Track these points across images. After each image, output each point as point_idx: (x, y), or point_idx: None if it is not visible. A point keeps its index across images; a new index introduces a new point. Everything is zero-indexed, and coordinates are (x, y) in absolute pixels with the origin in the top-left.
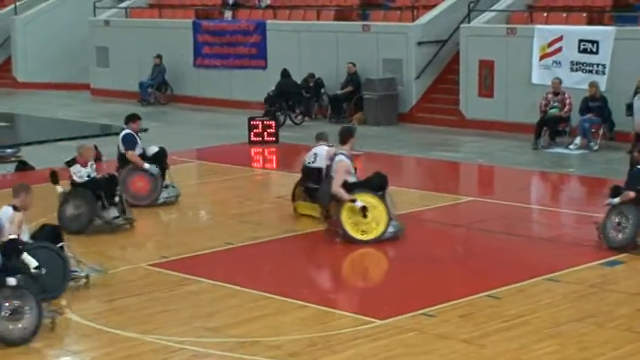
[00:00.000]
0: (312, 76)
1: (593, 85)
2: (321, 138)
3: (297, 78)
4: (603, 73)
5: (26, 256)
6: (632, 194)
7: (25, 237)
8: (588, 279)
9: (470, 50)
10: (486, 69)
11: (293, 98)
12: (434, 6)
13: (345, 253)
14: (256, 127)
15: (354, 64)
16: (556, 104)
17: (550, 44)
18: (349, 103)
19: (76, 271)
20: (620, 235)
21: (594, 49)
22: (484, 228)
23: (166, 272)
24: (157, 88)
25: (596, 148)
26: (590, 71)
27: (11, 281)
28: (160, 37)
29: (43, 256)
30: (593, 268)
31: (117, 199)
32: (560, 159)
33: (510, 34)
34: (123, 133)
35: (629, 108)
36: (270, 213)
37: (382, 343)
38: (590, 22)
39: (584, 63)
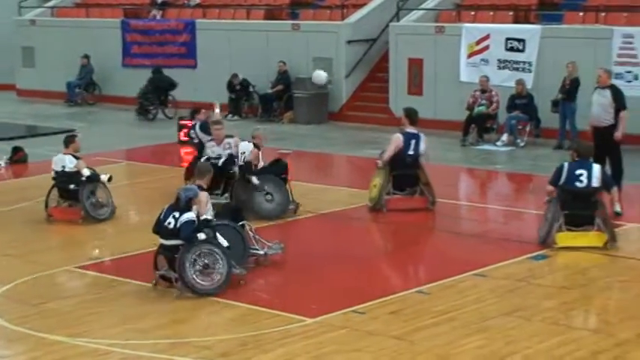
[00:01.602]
0: (235, 76)
1: (520, 82)
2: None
3: (227, 78)
4: (530, 71)
5: (218, 237)
6: (549, 188)
7: (210, 215)
8: (515, 273)
9: (399, 49)
10: (415, 67)
11: (165, 94)
12: (363, 5)
13: None
14: (186, 126)
15: (284, 63)
16: (484, 102)
17: (478, 42)
18: (280, 102)
19: (256, 249)
20: (539, 232)
21: (521, 47)
22: (413, 224)
23: (95, 274)
24: (85, 88)
25: (522, 144)
26: (517, 69)
27: (201, 236)
28: (88, 36)
29: (224, 233)
30: (520, 263)
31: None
32: (488, 155)
33: (439, 33)
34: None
35: (555, 105)
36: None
37: (313, 341)
38: (516, 21)
39: (511, 61)
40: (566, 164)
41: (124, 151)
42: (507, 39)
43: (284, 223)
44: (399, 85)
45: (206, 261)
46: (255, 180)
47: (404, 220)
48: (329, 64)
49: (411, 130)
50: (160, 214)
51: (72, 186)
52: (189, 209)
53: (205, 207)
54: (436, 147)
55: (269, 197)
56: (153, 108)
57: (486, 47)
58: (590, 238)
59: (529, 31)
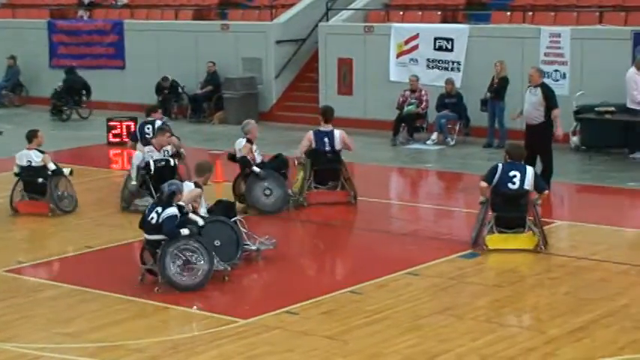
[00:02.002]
0: (165, 79)
1: (449, 81)
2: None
3: (156, 79)
4: (459, 70)
5: (192, 215)
6: (483, 184)
7: (203, 211)
8: (447, 272)
9: (328, 48)
10: (345, 67)
11: (79, 94)
12: (292, 5)
13: None
14: (115, 127)
15: (213, 64)
16: (413, 101)
17: (406, 42)
18: (209, 103)
19: (248, 245)
20: (472, 232)
21: (449, 47)
22: (344, 225)
23: (23, 278)
24: (11, 90)
25: (452, 143)
26: (446, 68)
27: (184, 231)
28: (14, 37)
29: (218, 229)
30: (452, 262)
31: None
32: (418, 154)
33: (368, 33)
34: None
35: (484, 104)
36: (129, 215)
37: (246, 342)
38: (444, 21)
39: (440, 60)
40: (500, 165)
41: (51, 154)
42: (436, 38)
43: None
44: (329, 84)
45: (187, 256)
46: (256, 169)
47: (334, 218)
48: (258, 64)
49: (324, 128)
50: (145, 209)
51: (40, 180)
52: (171, 204)
53: (195, 201)
54: (366, 147)
55: (268, 192)
56: (67, 109)
57: (415, 47)
58: (521, 240)
59: (457, 30)
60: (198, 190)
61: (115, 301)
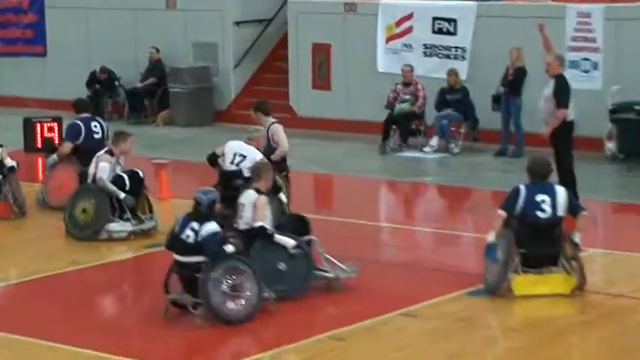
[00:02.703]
0: (103, 70)
1: (452, 72)
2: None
3: (85, 68)
4: (463, 59)
5: (280, 237)
6: (501, 213)
7: (268, 224)
8: (452, 312)
9: (300, 31)
10: (321, 55)
11: None
12: None
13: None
14: (34, 129)
15: (157, 50)
16: (407, 97)
17: (398, 23)
18: (152, 99)
19: (325, 270)
20: (490, 275)
21: (452, 29)
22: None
23: None
24: None
25: (457, 150)
26: (448, 56)
27: (229, 249)
28: None
29: (284, 249)
30: (458, 299)
31: None
32: (414, 164)
33: (349, 12)
34: None
35: (496, 101)
36: (56, 240)
37: None
38: None
39: (440, 46)
40: (522, 187)
41: None
42: (435, 19)
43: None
44: (302, 77)
45: (234, 280)
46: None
47: None
48: (213, 50)
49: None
50: (174, 225)
51: None
52: (209, 217)
53: (263, 213)
54: (349, 154)
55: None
56: None
57: (409, 29)
58: (555, 282)
59: (461, 8)
60: (265, 198)
61: (35, 348)
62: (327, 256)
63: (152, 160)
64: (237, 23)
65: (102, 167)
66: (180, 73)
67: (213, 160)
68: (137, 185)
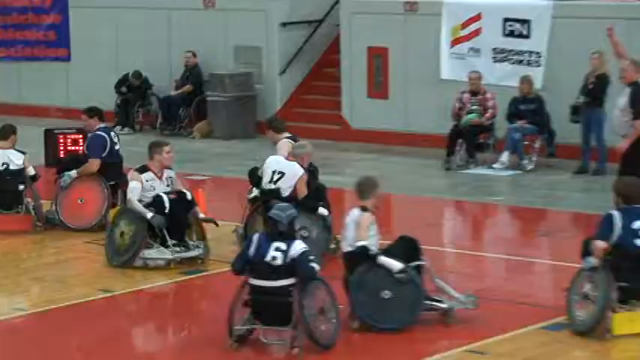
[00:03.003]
0: (137, 75)
1: (526, 80)
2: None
3: (114, 74)
4: (538, 65)
5: (385, 259)
6: (600, 244)
7: (374, 244)
8: (526, 348)
9: (354, 34)
10: (378, 60)
11: None
12: None
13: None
14: (58, 142)
15: (194, 54)
16: (475, 108)
17: (464, 25)
18: (188, 109)
19: (438, 300)
20: (582, 313)
21: (525, 32)
22: None
23: None
24: None
25: (530, 167)
26: (521, 62)
27: (316, 267)
28: None
29: (389, 274)
30: (533, 334)
31: None
32: (483, 183)
33: (409, 12)
34: None
35: (575, 111)
36: (82, 264)
37: None
38: None
39: (512, 51)
40: (616, 214)
41: None
42: (506, 20)
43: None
44: (355, 84)
45: (323, 302)
46: (323, 211)
47: None
48: (256, 55)
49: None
50: (246, 247)
51: (21, 187)
52: (294, 235)
53: (366, 232)
54: (409, 171)
55: (304, 232)
56: None
57: (477, 31)
58: None
59: (536, 8)
60: (370, 216)
61: None
62: (442, 283)
63: (188, 177)
64: (284, 24)
65: (131, 187)
66: (220, 80)
67: (258, 177)
68: (183, 207)
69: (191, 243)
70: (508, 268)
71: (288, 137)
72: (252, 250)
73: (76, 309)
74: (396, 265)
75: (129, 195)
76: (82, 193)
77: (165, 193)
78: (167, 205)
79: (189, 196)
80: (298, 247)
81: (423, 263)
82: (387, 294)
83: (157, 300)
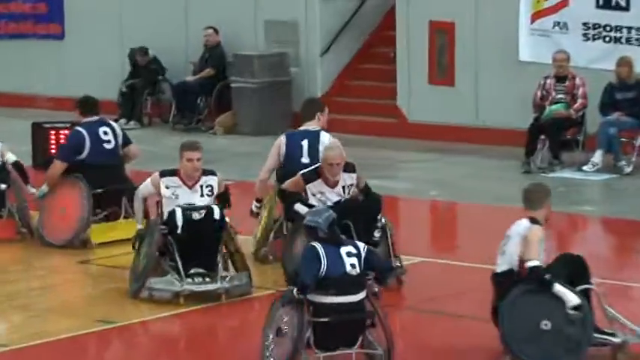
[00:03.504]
0: (144, 52)
1: (624, 62)
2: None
3: (117, 55)
4: None
5: (561, 289)
6: None
7: (541, 260)
8: None
9: (413, 6)
10: (442, 37)
11: None
12: None
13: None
14: (48, 138)
15: (215, 31)
16: (561, 97)
17: None
18: (208, 98)
19: (608, 334)
20: None
21: (623, 3)
22: (441, 310)
23: None
24: None
25: (629, 169)
26: (618, 40)
27: None
28: None
29: (548, 301)
30: None
31: None
32: (570, 189)
33: None
34: None
35: None
36: (77, 289)
37: None
38: None
39: (608, 26)
40: None
41: None
42: None
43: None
44: (414, 68)
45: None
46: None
47: (424, 304)
48: (292, 32)
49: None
50: (312, 265)
51: (2, 186)
52: (339, 240)
53: (537, 249)
54: (480, 174)
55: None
56: None
57: (564, 2)
58: None
59: None
60: (541, 229)
61: None
62: (614, 312)
63: None
64: None
65: (139, 187)
66: (247, 63)
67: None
68: (208, 227)
69: (223, 274)
70: (601, 291)
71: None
72: (323, 264)
73: (68, 344)
74: (573, 299)
75: (137, 191)
76: (63, 202)
77: (188, 207)
78: (180, 223)
79: (216, 213)
80: (362, 245)
81: (592, 287)
82: (547, 325)
83: (165, 334)
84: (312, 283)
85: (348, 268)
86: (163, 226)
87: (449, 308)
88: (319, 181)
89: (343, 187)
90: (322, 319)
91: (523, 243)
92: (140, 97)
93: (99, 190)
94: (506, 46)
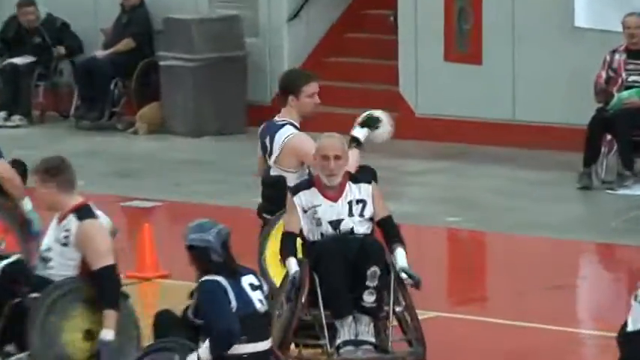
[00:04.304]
0: (29, 3)
1: None
2: None
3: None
4: None
5: None
6: None
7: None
8: None
9: None
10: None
11: None
12: None
13: None
14: None
15: None
16: (636, 79)
17: None
18: (125, 81)
19: None
20: None
21: None
22: None
23: None
24: None
25: None
26: None
27: None
28: None
29: None
30: None
31: None
32: None
33: None
34: None
35: None
36: None
37: None
38: None
39: None
40: None
41: None
42: None
43: None
44: (424, 40)
45: None
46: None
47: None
48: None
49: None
50: (215, 303)
51: None
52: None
53: None
54: (518, 190)
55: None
56: None
57: None
58: None
59: None
60: None
61: None
62: None
63: (123, 204)
64: None
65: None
66: (183, 31)
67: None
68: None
69: None
70: None
71: None
72: (233, 303)
73: None
74: None
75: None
76: None
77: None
78: None
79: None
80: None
81: None
82: None
83: None
84: (238, 326)
85: (258, 305)
86: None
87: None
88: (313, 190)
89: (350, 203)
90: None
91: None
92: (27, 80)
93: None
94: (556, 10)
